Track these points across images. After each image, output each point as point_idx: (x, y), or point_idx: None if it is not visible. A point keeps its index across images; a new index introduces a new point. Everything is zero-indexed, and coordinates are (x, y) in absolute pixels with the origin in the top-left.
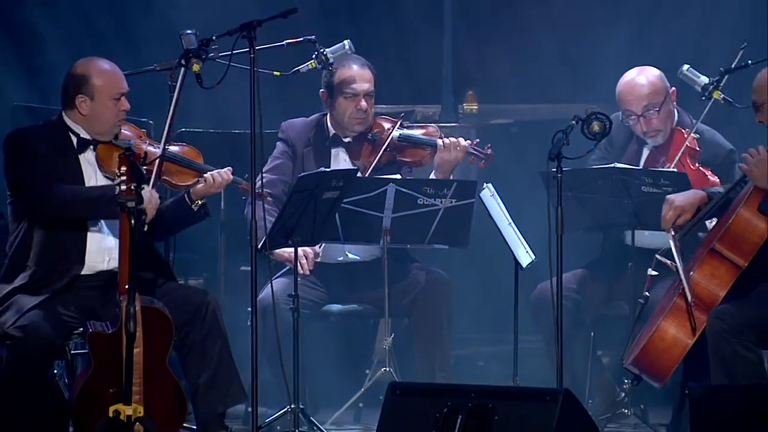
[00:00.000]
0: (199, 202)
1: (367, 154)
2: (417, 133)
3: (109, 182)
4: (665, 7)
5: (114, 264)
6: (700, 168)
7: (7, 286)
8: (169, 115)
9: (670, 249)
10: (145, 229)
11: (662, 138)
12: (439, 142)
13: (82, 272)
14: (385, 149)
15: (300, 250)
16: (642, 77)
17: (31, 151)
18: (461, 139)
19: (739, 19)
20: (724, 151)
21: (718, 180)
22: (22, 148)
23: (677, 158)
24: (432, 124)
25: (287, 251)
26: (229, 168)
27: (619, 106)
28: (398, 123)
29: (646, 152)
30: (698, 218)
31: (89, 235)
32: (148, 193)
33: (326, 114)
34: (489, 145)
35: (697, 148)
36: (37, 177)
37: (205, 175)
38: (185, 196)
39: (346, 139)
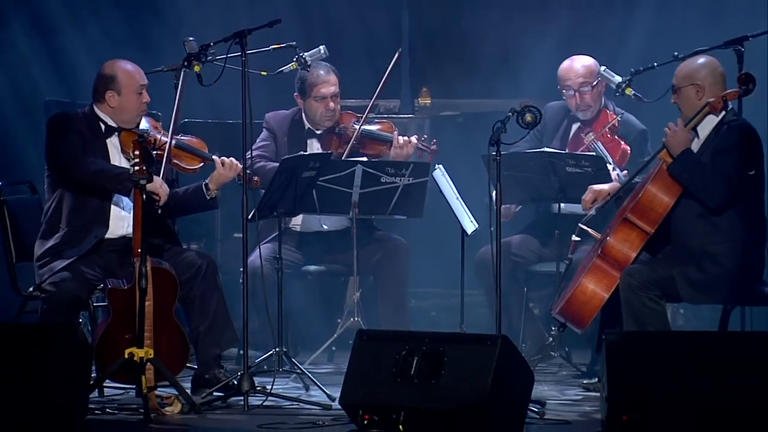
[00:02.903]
0: (213, 193)
1: (335, 145)
2: (376, 128)
3: (128, 163)
4: (587, 18)
5: (131, 229)
6: (616, 137)
7: (45, 242)
8: (174, 110)
9: (591, 219)
10: (159, 212)
11: (590, 114)
12: (394, 140)
13: (106, 236)
14: (352, 143)
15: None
16: (579, 61)
17: (72, 127)
18: (412, 138)
19: (648, 27)
20: (638, 130)
21: (629, 148)
22: (64, 123)
23: (596, 128)
24: (388, 121)
25: None
26: (233, 159)
27: (559, 84)
28: (362, 119)
29: (574, 127)
30: (610, 198)
31: (111, 204)
32: (160, 182)
33: (301, 109)
34: (434, 140)
35: (617, 125)
36: (76, 150)
37: (223, 159)
38: (203, 186)
39: (318, 132)
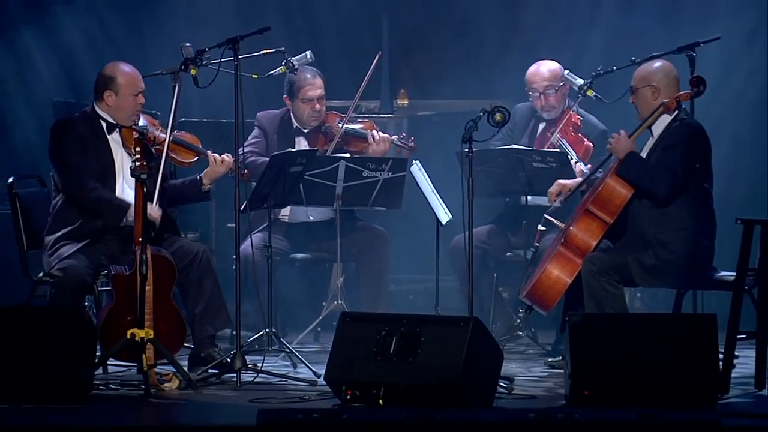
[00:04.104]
0: (207, 187)
1: (321, 143)
2: (358, 127)
3: (129, 158)
4: (552, 26)
5: (131, 218)
6: (579, 135)
7: (53, 235)
8: (172, 111)
9: (555, 210)
10: (152, 235)
11: (555, 114)
12: (370, 137)
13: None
14: (336, 141)
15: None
16: (545, 66)
17: (73, 137)
18: (390, 136)
19: (608, 34)
20: (598, 130)
21: (591, 145)
22: (64, 136)
23: (561, 126)
24: (369, 120)
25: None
26: (228, 154)
27: (527, 87)
28: (345, 119)
29: (541, 126)
30: (573, 191)
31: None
32: (156, 209)
33: (289, 110)
34: (412, 137)
35: (579, 123)
36: (74, 173)
37: (215, 155)
38: (197, 180)
39: (305, 130)
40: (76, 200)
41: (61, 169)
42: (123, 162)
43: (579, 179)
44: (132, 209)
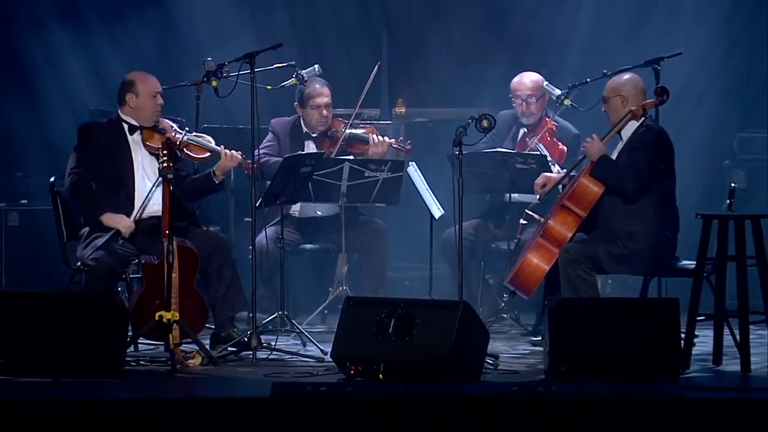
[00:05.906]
0: (219, 178)
1: (327, 146)
2: (360, 132)
3: (149, 155)
4: (532, 44)
5: (159, 208)
6: (554, 139)
7: (87, 229)
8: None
9: (536, 206)
10: (120, 242)
11: (533, 120)
12: (371, 140)
13: (142, 216)
14: (340, 144)
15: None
16: (528, 77)
17: (92, 138)
18: (385, 138)
19: (582, 49)
20: (572, 134)
21: (566, 148)
22: (85, 136)
23: (541, 134)
24: (370, 125)
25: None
26: (234, 151)
27: (511, 94)
28: (348, 124)
29: (521, 132)
30: (557, 182)
31: (135, 192)
32: (128, 220)
33: (300, 116)
34: (409, 141)
35: (554, 129)
36: (76, 162)
37: (225, 151)
38: (211, 173)
39: (314, 135)
40: (66, 182)
41: (72, 158)
42: (142, 159)
43: (562, 174)
44: (109, 216)
